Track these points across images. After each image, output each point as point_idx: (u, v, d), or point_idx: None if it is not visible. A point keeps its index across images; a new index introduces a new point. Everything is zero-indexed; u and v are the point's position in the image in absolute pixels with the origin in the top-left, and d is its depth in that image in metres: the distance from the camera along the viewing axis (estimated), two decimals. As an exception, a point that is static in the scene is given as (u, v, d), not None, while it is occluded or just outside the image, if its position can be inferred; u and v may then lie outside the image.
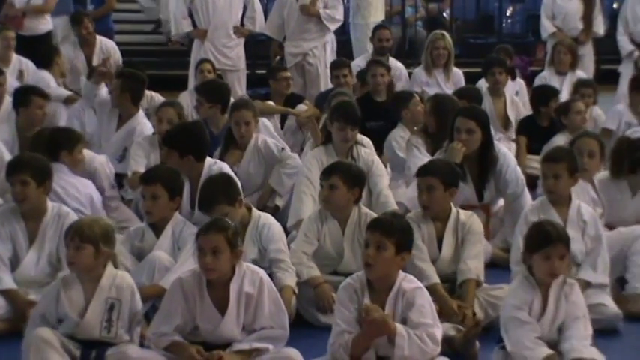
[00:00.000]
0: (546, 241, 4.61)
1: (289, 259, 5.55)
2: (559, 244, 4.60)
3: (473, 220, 5.56)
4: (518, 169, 6.70)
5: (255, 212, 5.71)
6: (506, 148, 6.93)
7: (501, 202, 6.74)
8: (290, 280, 5.46)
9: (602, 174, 6.52)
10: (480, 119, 6.47)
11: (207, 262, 4.55)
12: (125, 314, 4.66)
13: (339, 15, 10.55)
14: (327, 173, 5.73)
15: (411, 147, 7.19)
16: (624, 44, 11.15)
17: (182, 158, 6.33)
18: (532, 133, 8.40)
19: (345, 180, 5.67)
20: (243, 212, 5.61)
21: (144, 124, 7.79)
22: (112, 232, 4.77)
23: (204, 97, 7.84)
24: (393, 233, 4.50)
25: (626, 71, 10.99)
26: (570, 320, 4.60)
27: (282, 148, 7.34)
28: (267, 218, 5.70)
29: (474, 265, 5.42)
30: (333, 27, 10.59)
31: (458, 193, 5.74)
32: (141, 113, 7.96)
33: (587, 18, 11.14)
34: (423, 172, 5.63)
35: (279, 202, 7.25)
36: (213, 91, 7.91)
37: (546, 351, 4.51)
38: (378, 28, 10.52)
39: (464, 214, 5.57)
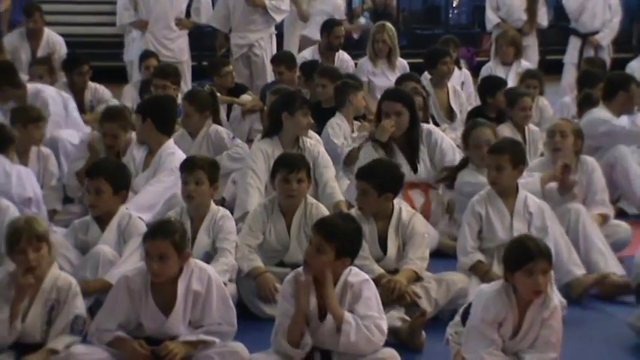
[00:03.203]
0: (528, 257, 4.39)
1: (233, 250, 5.54)
2: (541, 260, 4.39)
3: (415, 220, 5.56)
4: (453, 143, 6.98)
5: (214, 205, 5.69)
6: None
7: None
8: (218, 266, 5.38)
9: (535, 161, 6.70)
10: (405, 100, 6.71)
11: (154, 267, 4.52)
12: (65, 315, 4.61)
13: (285, 6, 10.53)
14: (295, 166, 5.66)
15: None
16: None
17: (143, 122, 6.56)
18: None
19: (308, 173, 5.71)
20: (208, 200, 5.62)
21: (42, 92, 7.80)
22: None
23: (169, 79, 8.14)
24: (334, 238, 4.45)
25: (571, 60, 11.07)
26: (542, 343, 4.46)
27: (234, 137, 7.37)
28: (225, 211, 5.68)
29: (420, 264, 5.44)
30: (279, 18, 10.57)
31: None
32: (31, 88, 7.89)
33: (532, 9, 11.24)
34: (360, 174, 5.64)
35: (226, 195, 7.21)
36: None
37: None
38: (334, 24, 10.50)
39: (406, 213, 5.57)
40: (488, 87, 8.70)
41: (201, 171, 5.58)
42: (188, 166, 5.64)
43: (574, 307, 5.58)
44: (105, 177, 5.43)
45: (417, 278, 5.41)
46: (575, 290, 5.71)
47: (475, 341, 4.43)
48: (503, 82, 8.93)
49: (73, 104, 8.18)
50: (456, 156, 6.87)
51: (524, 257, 4.38)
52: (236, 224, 5.98)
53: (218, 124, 7.47)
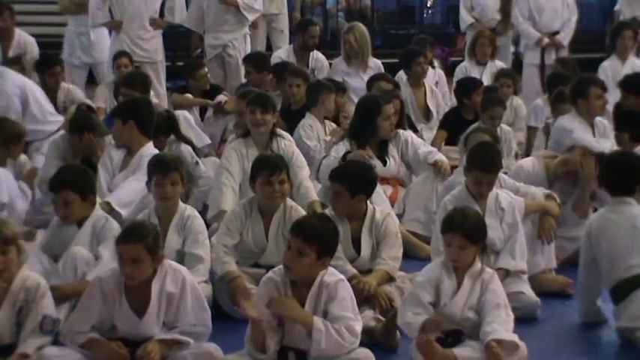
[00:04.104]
0: (447, 227, 4.72)
1: (205, 254, 5.51)
2: (457, 235, 4.65)
3: (389, 220, 5.59)
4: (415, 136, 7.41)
5: (182, 204, 5.68)
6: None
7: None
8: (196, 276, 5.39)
9: (524, 161, 6.73)
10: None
11: (127, 271, 4.52)
12: (34, 316, 4.57)
13: (258, 5, 10.49)
14: (277, 168, 5.64)
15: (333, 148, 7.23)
16: (530, 33, 11.03)
17: (124, 125, 6.52)
18: (457, 126, 8.40)
19: (288, 173, 5.73)
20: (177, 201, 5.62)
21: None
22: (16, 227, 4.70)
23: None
24: (315, 240, 4.46)
25: (532, 61, 11.03)
26: (491, 308, 4.64)
27: (197, 162, 7.19)
28: (192, 210, 5.68)
29: (392, 264, 5.47)
30: (252, 17, 10.51)
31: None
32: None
33: (505, 9, 11.25)
34: (333, 176, 5.66)
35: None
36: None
37: (420, 317, 4.58)
38: (309, 24, 10.48)
39: (379, 213, 5.59)
40: (464, 88, 8.69)
41: (175, 172, 5.57)
42: (163, 168, 5.59)
43: (548, 304, 5.61)
44: (71, 187, 5.35)
45: (390, 278, 5.42)
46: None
47: (407, 306, 4.67)
48: (479, 83, 8.93)
49: (37, 99, 8.03)
50: (428, 147, 7.28)
51: (445, 226, 4.72)
52: (209, 225, 6.00)
53: (182, 140, 7.31)
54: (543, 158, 6.64)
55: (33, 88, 8.13)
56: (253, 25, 10.99)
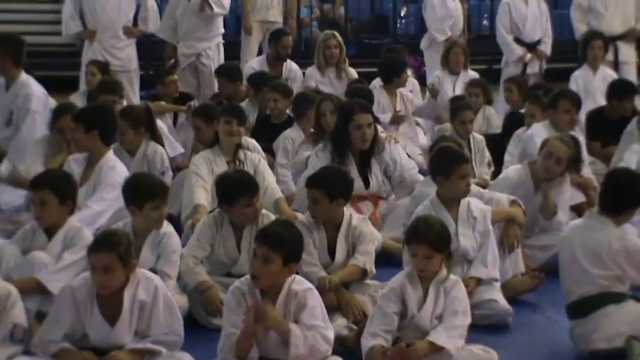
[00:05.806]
0: (412, 237, 4.69)
1: (173, 274, 5.47)
2: (423, 244, 4.63)
3: (364, 224, 5.60)
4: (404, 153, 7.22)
5: None
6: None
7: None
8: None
9: (509, 170, 6.72)
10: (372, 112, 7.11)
11: (99, 280, 4.51)
12: (4, 324, 4.53)
13: (226, 2, 10.45)
14: (256, 187, 5.65)
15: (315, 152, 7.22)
16: (514, 48, 11.06)
17: (87, 133, 6.45)
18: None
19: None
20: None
21: (28, 87, 7.80)
22: None
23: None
24: (281, 247, 4.47)
25: (515, 72, 11.06)
26: (448, 314, 4.64)
27: (163, 172, 7.15)
28: (168, 227, 5.61)
29: (362, 259, 5.46)
30: (218, 11, 10.36)
31: None
32: (24, 77, 7.86)
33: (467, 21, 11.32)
34: (310, 183, 5.64)
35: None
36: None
37: (373, 342, 4.57)
38: (282, 34, 10.49)
39: (356, 219, 5.60)
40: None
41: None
42: (159, 194, 5.51)
43: (519, 312, 5.63)
44: (49, 188, 5.32)
45: (363, 272, 5.43)
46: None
47: (373, 321, 4.64)
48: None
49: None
50: (412, 164, 7.17)
51: (410, 237, 4.70)
52: (181, 229, 6.02)
53: (157, 140, 7.32)
54: (528, 164, 6.63)
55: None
56: (247, 31, 11.02)
